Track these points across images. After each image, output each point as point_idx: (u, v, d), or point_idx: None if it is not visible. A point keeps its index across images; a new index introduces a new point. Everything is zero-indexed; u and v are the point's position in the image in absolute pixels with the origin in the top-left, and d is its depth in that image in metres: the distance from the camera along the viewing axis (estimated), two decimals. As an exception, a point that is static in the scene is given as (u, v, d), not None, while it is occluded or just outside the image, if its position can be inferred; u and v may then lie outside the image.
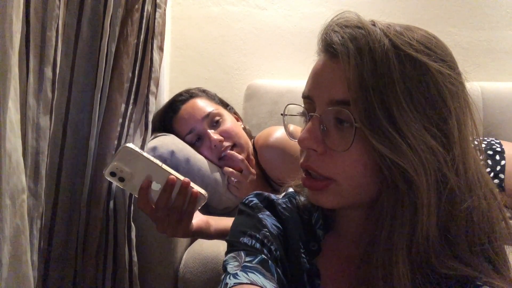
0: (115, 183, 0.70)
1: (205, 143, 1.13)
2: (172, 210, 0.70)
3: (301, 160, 0.52)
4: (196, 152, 1.12)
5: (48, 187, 0.91)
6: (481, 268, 0.47)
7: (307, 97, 0.52)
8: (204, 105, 1.17)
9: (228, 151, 1.12)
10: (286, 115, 0.58)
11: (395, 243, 0.47)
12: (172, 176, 0.68)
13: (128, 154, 0.68)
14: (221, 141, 1.12)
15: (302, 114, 0.54)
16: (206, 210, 1.07)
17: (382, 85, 0.45)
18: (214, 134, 1.12)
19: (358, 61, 0.46)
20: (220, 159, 1.13)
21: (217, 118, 1.15)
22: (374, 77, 0.45)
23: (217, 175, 1.11)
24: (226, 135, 1.13)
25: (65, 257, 0.98)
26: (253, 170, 1.13)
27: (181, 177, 0.70)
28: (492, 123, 1.40)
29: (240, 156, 1.11)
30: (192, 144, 1.14)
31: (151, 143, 1.06)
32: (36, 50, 0.83)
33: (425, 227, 0.46)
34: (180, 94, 1.22)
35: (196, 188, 0.71)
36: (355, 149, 0.47)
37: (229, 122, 1.16)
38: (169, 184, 0.68)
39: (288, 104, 0.57)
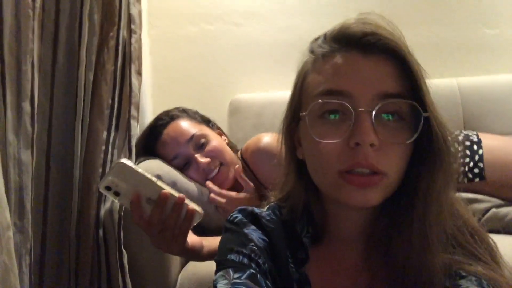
0: (111, 197, 0.70)
1: (192, 166, 1.12)
2: (166, 226, 0.70)
3: (346, 161, 0.49)
4: (182, 175, 1.11)
5: (35, 221, 0.90)
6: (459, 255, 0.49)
7: (341, 93, 0.50)
8: (187, 128, 1.15)
9: (215, 175, 1.12)
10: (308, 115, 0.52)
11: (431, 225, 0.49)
12: (164, 191, 0.68)
13: (122, 170, 0.68)
14: (209, 163, 1.11)
15: (335, 111, 0.51)
16: (200, 227, 1.07)
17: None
18: (201, 158, 1.11)
19: (410, 55, 0.50)
20: (207, 180, 1.13)
21: (202, 140, 1.14)
22: (420, 71, 0.50)
23: (206, 197, 1.11)
24: (213, 154, 1.13)
25: (58, 291, 0.96)
26: (251, 183, 1.13)
27: (176, 194, 0.70)
28: (471, 117, 1.42)
29: (230, 176, 1.12)
30: (179, 168, 1.13)
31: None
32: (13, 85, 0.83)
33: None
34: (159, 118, 1.19)
35: (191, 205, 0.71)
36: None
37: (214, 141, 1.15)
38: (161, 199, 0.68)
39: (315, 103, 0.51)
